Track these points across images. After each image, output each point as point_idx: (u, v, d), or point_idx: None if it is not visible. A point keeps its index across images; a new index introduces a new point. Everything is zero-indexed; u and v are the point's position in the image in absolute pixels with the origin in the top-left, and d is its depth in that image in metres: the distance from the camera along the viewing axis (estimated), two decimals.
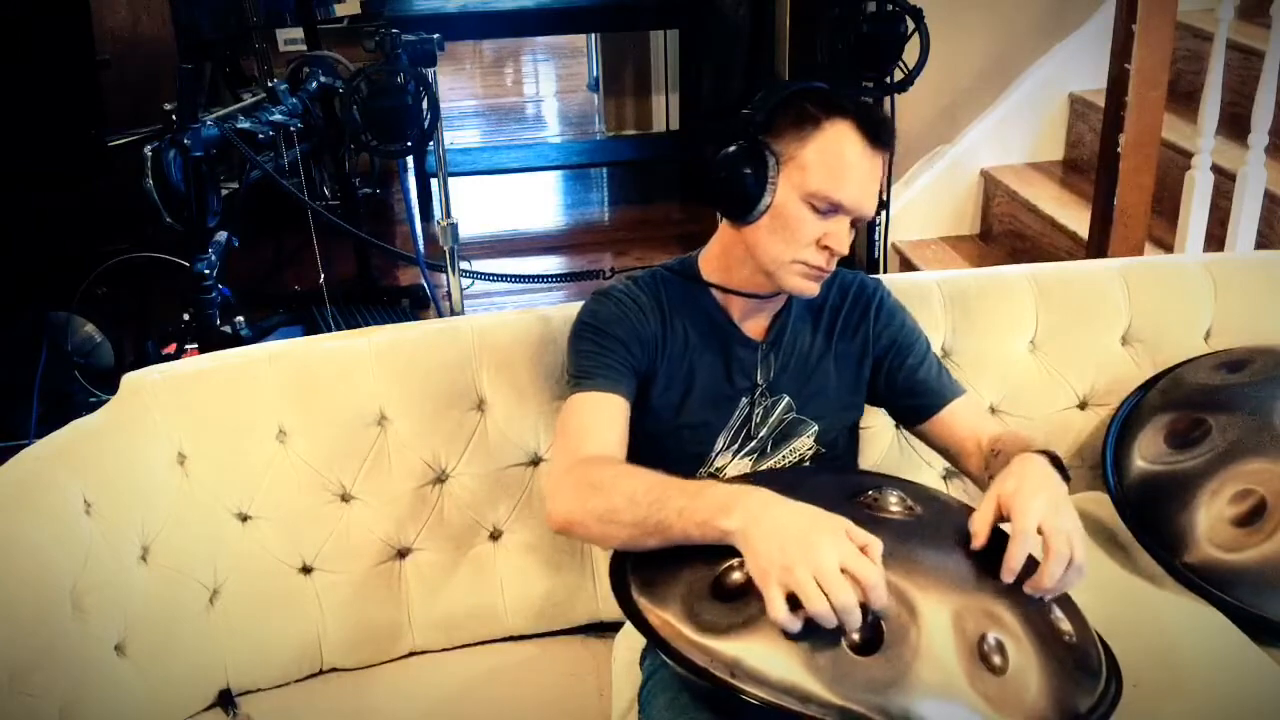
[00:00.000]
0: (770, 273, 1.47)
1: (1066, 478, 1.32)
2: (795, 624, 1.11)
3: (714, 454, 1.53)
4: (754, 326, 1.55)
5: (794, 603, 1.10)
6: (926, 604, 1.15)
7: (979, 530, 1.24)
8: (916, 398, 1.56)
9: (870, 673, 1.11)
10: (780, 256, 1.44)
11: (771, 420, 1.53)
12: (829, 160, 1.41)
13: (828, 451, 1.55)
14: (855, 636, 1.12)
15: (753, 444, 1.53)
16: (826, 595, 1.08)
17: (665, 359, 1.52)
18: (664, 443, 1.52)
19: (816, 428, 1.54)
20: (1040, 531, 1.21)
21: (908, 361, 1.56)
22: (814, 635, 1.12)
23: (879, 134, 1.43)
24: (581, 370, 1.48)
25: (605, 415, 1.44)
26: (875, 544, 1.14)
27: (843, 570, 1.10)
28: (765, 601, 1.11)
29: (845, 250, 1.44)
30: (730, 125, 1.45)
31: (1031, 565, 1.22)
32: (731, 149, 1.43)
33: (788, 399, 1.54)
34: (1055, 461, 1.32)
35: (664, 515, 1.23)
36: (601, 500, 1.29)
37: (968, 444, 1.51)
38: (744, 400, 1.53)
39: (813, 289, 1.47)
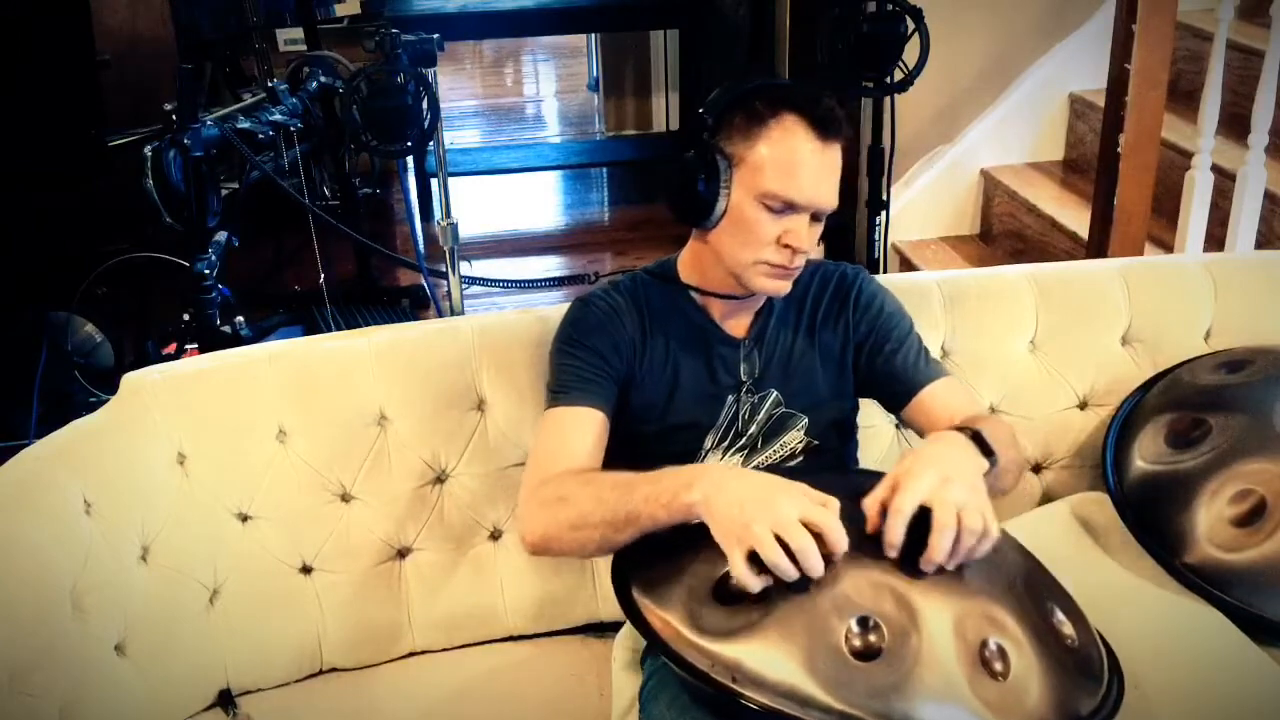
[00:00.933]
0: (736, 275, 1.48)
1: (988, 454, 1.30)
2: (756, 583, 1.14)
3: (704, 453, 1.53)
4: (735, 325, 1.56)
5: (759, 569, 1.15)
6: (928, 608, 1.15)
7: (868, 511, 1.21)
8: (894, 383, 1.55)
9: (871, 678, 1.11)
10: (743, 259, 1.45)
11: (760, 416, 1.54)
12: (779, 159, 1.40)
13: (820, 444, 1.55)
14: (856, 642, 1.12)
15: (742, 441, 1.54)
16: (786, 547, 1.12)
17: (647, 362, 1.52)
18: (653, 444, 1.52)
19: (806, 421, 1.54)
20: (929, 506, 1.18)
21: (885, 347, 1.55)
22: (815, 639, 1.13)
23: (828, 126, 1.40)
24: (558, 384, 1.50)
25: (577, 431, 1.45)
26: (833, 501, 1.17)
27: (803, 524, 1.14)
28: (728, 562, 1.16)
29: (807, 246, 1.43)
30: (688, 129, 1.45)
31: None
32: (686, 155, 1.43)
33: (775, 394, 1.54)
34: (976, 438, 1.30)
35: (631, 505, 1.27)
36: (570, 510, 1.33)
37: (942, 428, 1.46)
38: (730, 398, 1.53)
39: (781, 287, 1.47)
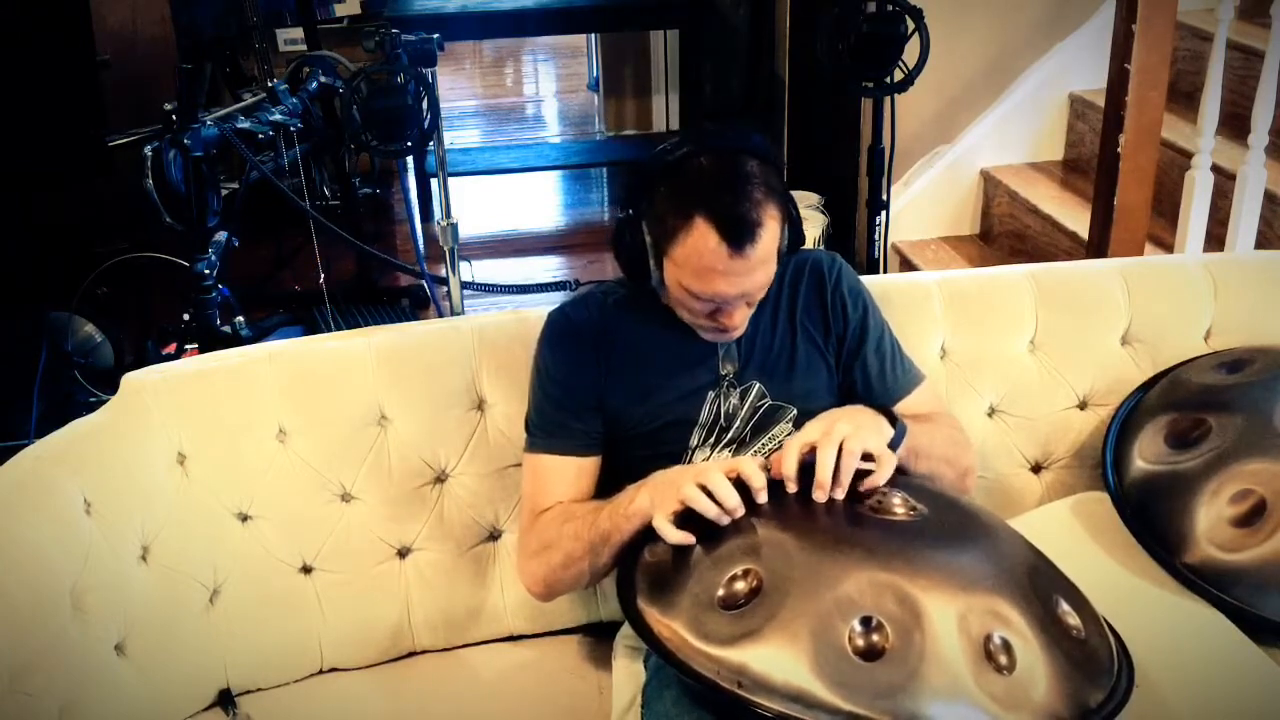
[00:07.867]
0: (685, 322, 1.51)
1: (892, 422, 1.39)
2: (675, 535, 1.28)
3: (691, 450, 1.53)
4: None
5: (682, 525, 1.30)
6: (931, 605, 1.15)
7: (785, 473, 1.32)
8: (870, 395, 1.57)
9: (877, 677, 1.11)
10: (683, 316, 1.49)
11: (745, 410, 1.54)
12: (694, 264, 1.38)
13: None
14: (860, 642, 1.13)
15: (729, 436, 1.54)
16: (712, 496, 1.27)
17: (616, 373, 1.54)
18: (643, 446, 1.53)
19: (794, 412, 1.54)
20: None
21: (864, 349, 1.57)
22: (819, 641, 1.13)
23: (740, 236, 1.35)
24: (533, 424, 1.56)
25: (549, 480, 1.53)
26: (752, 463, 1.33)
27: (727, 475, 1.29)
28: (657, 530, 1.30)
29: (739, 322, 1.45)
30: (630, 184, 1.45)
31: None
32: (622, 217, 1.45)
33: (759, 386, 1.54)
34: (884, 411, 1.40)
35: (601, 528, 1.40)
36: (556, 553, 1.45)
37: None
38: (710, 394, 1.53)
39: (726, 338, 1.51)
